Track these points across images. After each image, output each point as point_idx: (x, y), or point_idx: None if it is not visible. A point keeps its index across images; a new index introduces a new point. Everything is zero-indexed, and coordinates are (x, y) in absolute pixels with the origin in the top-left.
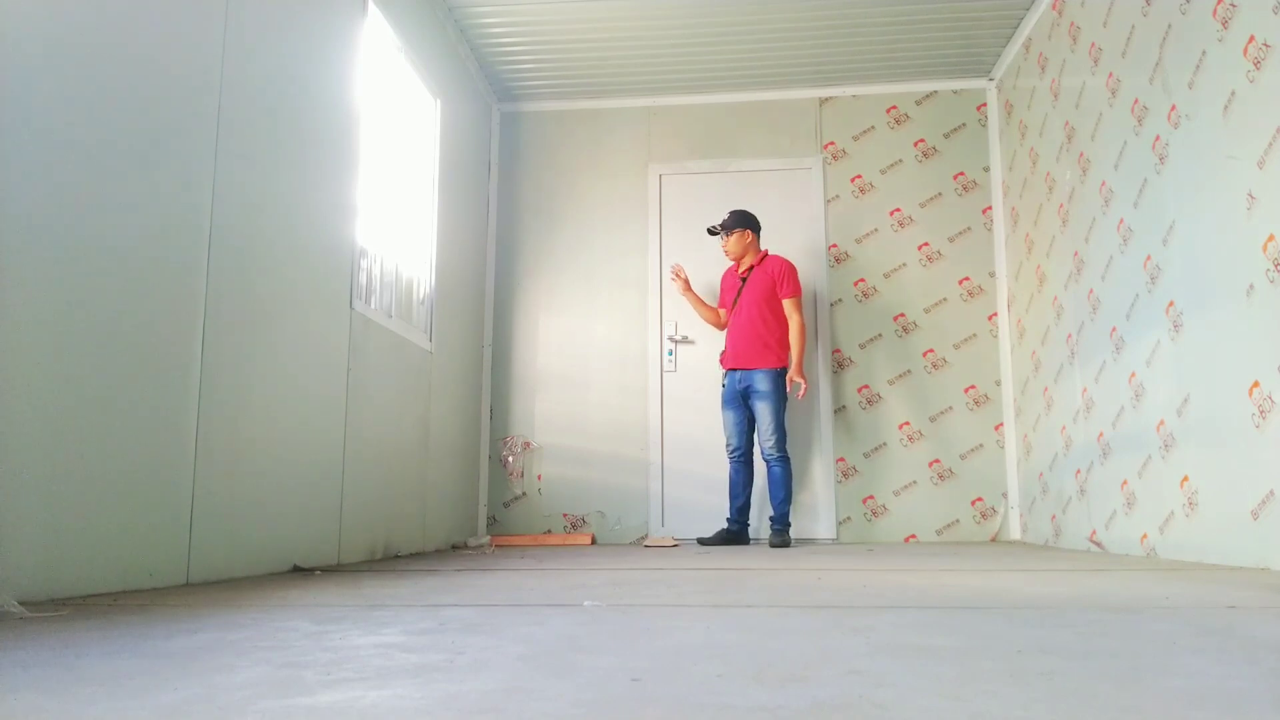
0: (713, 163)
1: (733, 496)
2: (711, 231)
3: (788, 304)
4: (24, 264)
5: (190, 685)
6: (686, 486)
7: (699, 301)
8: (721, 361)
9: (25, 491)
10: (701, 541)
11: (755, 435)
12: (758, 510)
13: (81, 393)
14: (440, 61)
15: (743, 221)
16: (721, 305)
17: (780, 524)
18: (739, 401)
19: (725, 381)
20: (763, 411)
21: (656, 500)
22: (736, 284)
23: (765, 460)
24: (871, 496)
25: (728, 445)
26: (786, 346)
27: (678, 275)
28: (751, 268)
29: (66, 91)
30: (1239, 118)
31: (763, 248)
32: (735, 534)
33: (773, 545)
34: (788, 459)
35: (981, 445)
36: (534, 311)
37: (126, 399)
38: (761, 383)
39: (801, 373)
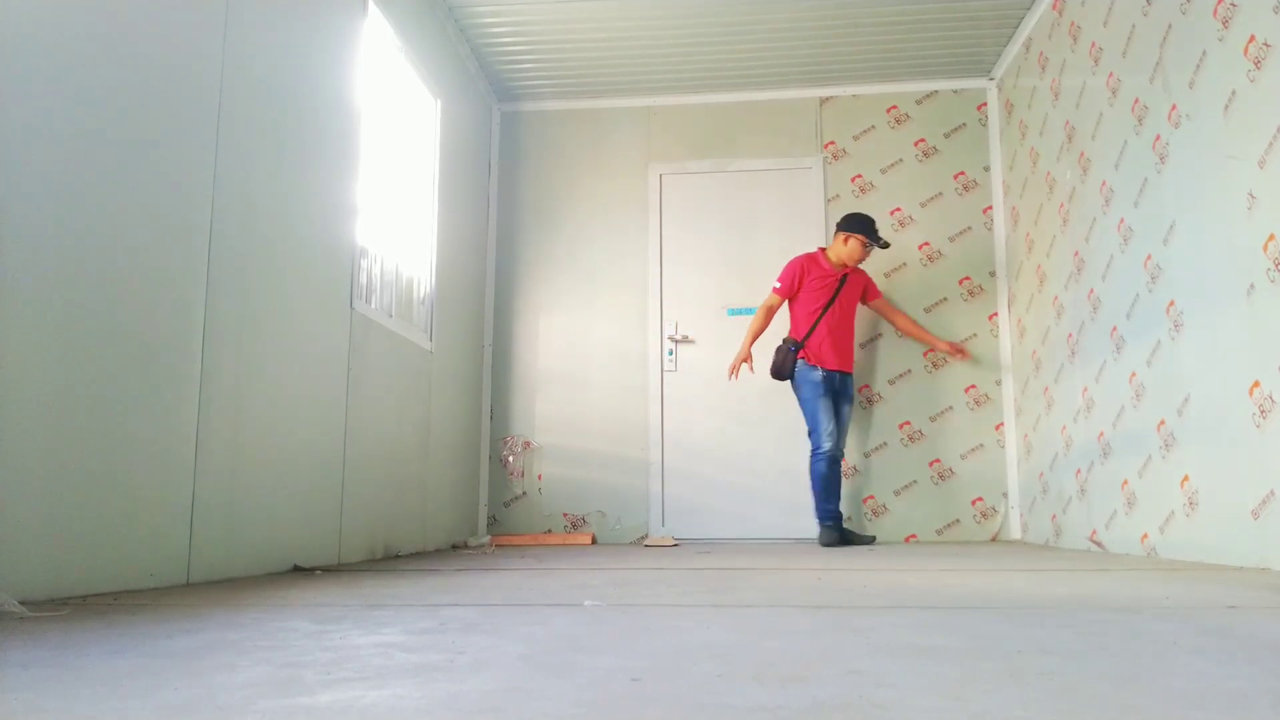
0: (713, 162)
1: (836, 494)
2: (884, 246)
3: (886, 301)
4: (24, 264)
5: (191, 685)
6: (686, 486)
7: (753, 338)
8: (816, 359)
9: (26, 491)
10: (825, 544)
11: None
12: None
13: (82, 393)
14: (440, 61)
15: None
16: (783, 294)
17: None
18: (832, 396)
19: (822, 376)
20: (848, 413)
21: (656, 500)
22: (831, 283)
23: (844, 459)
24: (871, 496)
25: (830, 439)
26: None
27: (736, 370)
28: (848, 271)
29: (66, 92)
30: (1239, 117)
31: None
32: (845, 532)
33: (866, 543)
34: None
35: (981, 445)
36: (534, 311)
37: (126, 399)
38: (852, 386)
39: (952, 344)
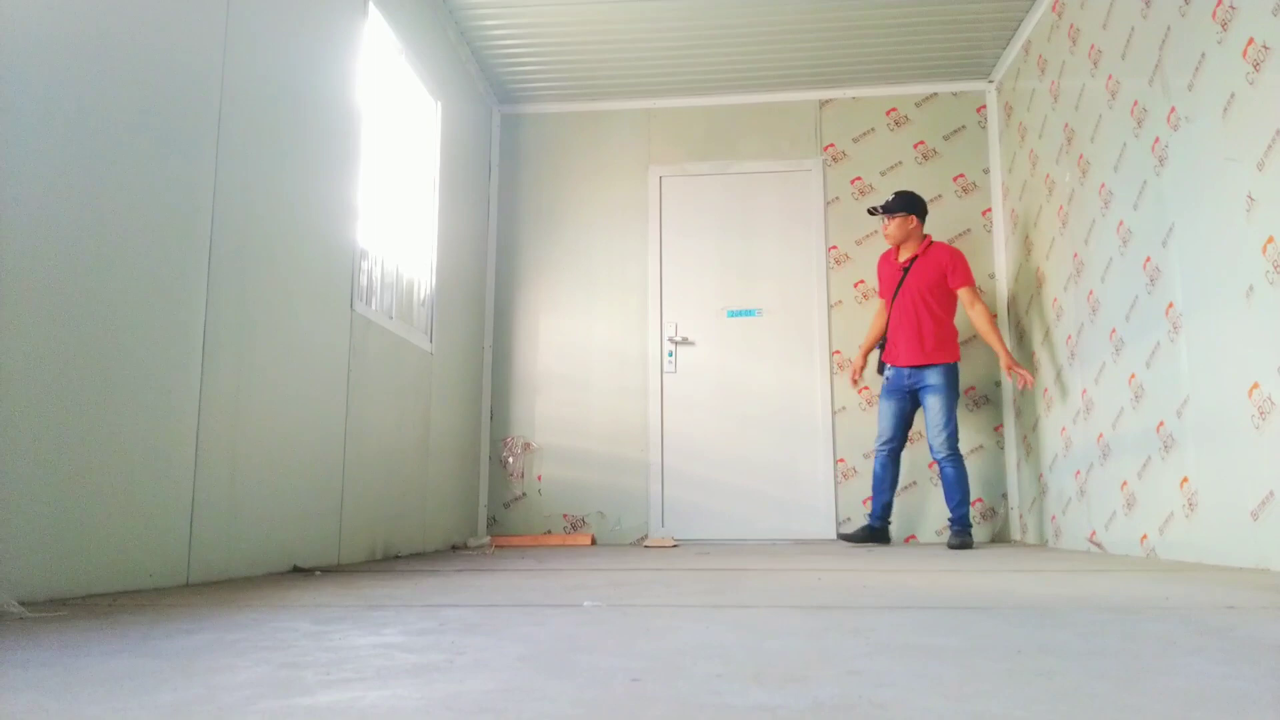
0: (713, 164)
1: (877, 493)
2: (871, 211)
3: (965, 294)
4: (24, 264)
5: (190, 685)
6: (686, 487)
7: (868, 347)
8: (885, 357)
9: (26, 491)
10: (842, 537)
11: (926, 433)
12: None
13: (82, 393)
14: (441, 63)
15: (906, 205)
16: (881, 295)
17: (960, 525)
18: (902, 395)
19: (889, 375)
20: (935, 407)
21: (656, 501)
22: (897, 273)
23: (935, 460)
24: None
25: (879, 437)
26: (955, 338)
27: (854, 376)
28: (914, 257)
29: (67, 92)
30: (1238, 120)
31: (926, 233)
32: (877, 531)
33: (951, 547)
34: (960, 458)
35: (981, 446)
36: (534, 312)
37: (127, 399)
38: (934, 377)
39: (1016, 363)
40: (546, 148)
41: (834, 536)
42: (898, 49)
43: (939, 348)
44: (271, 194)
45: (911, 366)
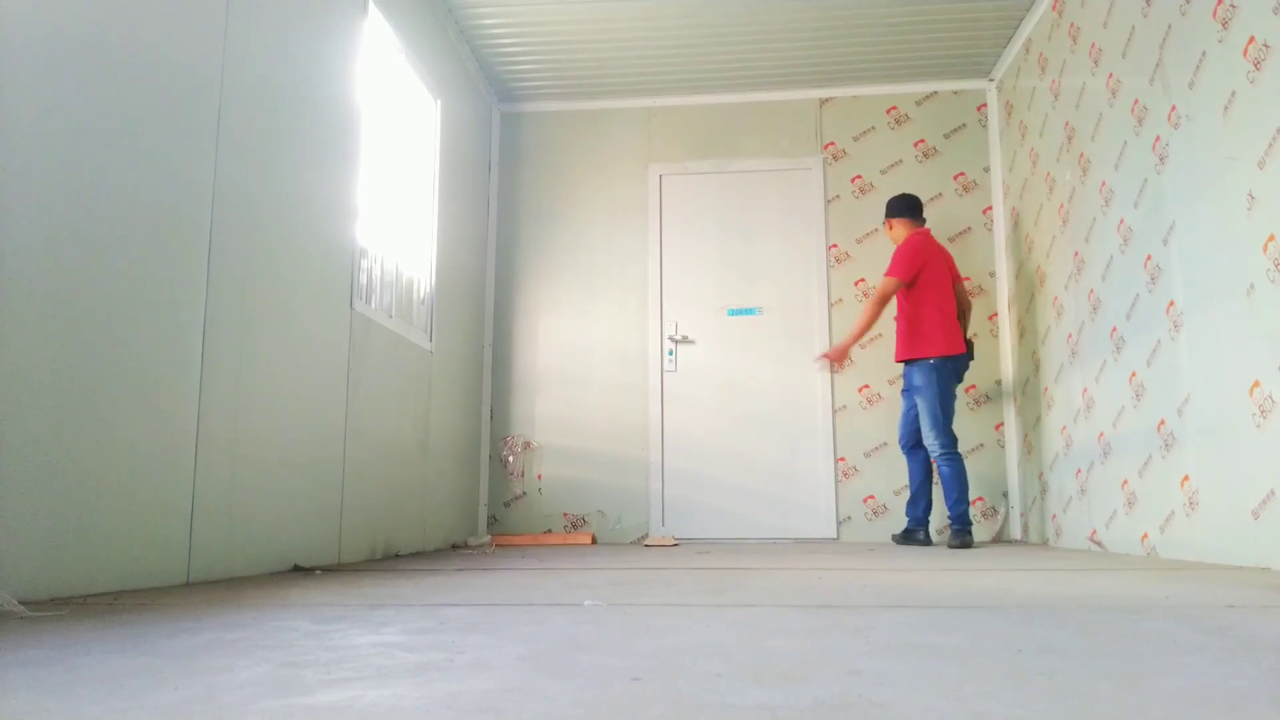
0: (713, 163)
1: (913, 492)
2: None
3: (881, 282)
4: (24, 264)
5: (190, 685)
6: (687, 486)
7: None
8: None
9: (26, 491)
10: (893, 537)
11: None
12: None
13: (82, 392)
14: (440, 62)
15: (887, 210)
16: None
17: (959, 524)
18: (908, 393)
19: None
20: (921, 408)
21: (656, 500)
22: None
23: (932, 458)
24: (872, 496)
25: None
26: (933, 334)
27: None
28: None
29: (66, 92)
30: (1239, 118)
31: (922, 228)
32: (911, 533)
33: (951, 546)
34: (954, 456)
35: (982, 445)
36: (534, 311)
37: (127, 399)
38: (916, 376)
39: (838, 354)
40: (546, 146)
41: (834, 535)
42: (898, 47)
43: (911, 343)
44: (271, 193)
45: (902, 363)
